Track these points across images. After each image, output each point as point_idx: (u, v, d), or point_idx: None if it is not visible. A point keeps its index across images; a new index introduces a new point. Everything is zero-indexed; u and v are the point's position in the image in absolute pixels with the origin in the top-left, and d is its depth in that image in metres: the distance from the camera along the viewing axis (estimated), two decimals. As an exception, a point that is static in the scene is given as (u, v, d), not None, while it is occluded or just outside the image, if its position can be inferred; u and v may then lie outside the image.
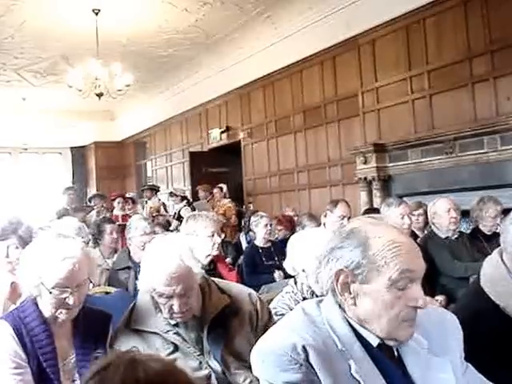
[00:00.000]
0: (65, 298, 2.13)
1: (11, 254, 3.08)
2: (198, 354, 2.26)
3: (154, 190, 11.17)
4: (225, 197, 10.30)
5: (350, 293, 1.55)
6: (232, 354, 2.28)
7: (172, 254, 2.23)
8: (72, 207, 9.41)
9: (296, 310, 1.67)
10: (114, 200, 9.13)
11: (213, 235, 4.03)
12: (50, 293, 2.12)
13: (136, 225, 4.54)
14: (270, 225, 6.31)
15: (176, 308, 2.19)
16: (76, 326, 2.25)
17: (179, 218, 9.08)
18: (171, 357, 2.19)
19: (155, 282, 2.19)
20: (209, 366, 2.24)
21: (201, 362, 2.25)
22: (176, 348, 2.26)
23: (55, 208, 9.28)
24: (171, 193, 10.51)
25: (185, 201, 9.99)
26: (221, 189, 10.50)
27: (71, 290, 2.13)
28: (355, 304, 1.55)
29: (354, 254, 1.53)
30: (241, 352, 2.27)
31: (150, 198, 10.88)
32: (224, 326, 2.31)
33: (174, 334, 2.27)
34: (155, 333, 2.26)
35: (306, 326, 1.56)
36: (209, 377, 2.23)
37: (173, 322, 2.29)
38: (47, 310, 2.16)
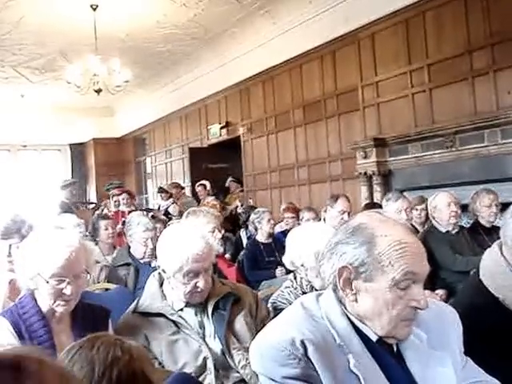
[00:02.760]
0: (62, 289, 2.13)
1: (13, 253, 3.07)
2: (199, 337, 2.37)
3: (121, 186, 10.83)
4: (208, 194, 10.28)
5: (352, 289, 1.54)
6: (233, 334, 2.40)
7: (196, 234, 2.46)
8: (73, 202, 9.31)
9: (295, 305, 1.67)
10: (119, 195, 8.86)
11: (213, 231, 4.05)
12: (47, 282, 2.12)
13: (138, 221, 4.55)
14: (273, 218, 6.32)
15: (202, 284, 2.36)
16: (75, 321, 2.25)
17: (167, 215, 9.02)
18: (173, 337, 2.34)
19: (185, 260, 2.35)
20: (208, 348, 2.34)
21: (200, 345, 2.34)
22: (178, 330, 2.37)
23: (55, 203, 9.19)
24: (161, 188, 10.30)
25: (171, 199, 9.83)
26: (204, 186, 10.47)
27: (68, 279, 2.14)
28: (356, 300, 1.54)
29: (358, 251, 1.52)
30: (240, 334, 2.41)
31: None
32: (226, 310, 2.44)
33: (179, 317, 2.39)
34: (160, 314, 2.38)
35: (304, 320, 1.56)
36: (205, 361, 2.31)
37: (177, 308, 2.42)
38: (45, 303, 2.16)
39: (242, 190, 10.63)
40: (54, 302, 2.15)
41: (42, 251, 2.15)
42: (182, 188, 10.69)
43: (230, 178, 10.83)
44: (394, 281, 1.48)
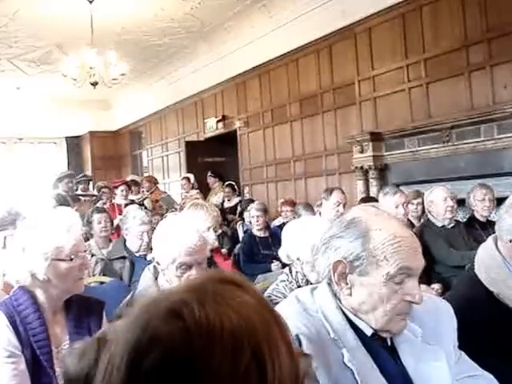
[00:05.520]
0: (81, 265, 2.21)
1: (8, 244, 3.06)
2: None
3: (89, 181, 10.55)
4: (193, 187, 10.21)
5: (347, 283, 1.53)
6: None
7: (191, 227, 2.48)
8: (70, 195, 9.18)
9: (290, 298, 1.67)
10: (116, 188, 8.66)
11: (208, 230, 4.04)
12: (71, 260, 2.16)
13: (133, 214, 4.54)
14: (261, 216, 6.28)
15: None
16: (69, 314, 2.25)
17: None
18: None
19: (178, 252, 2.36)
20: None
21: None
22: None
23: (51, 196, 9.08)
24: (133, 181, 9.97)
25: (140, 193, 9.58)
26: (188, 179, 10.40)
27: (83, 254, 2.24)
28: (351, 294, 1.54)
29: (353, 246, 1.51)
30: None
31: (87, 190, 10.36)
32: None
33: None
34: None
35: (299, 314, 1.55)
36: None
37: None
38: (65, 284, 2.18)
39: (224, 184, 10.44)
40: (78, 279, 2.23)
41: (52, 234, 2.18)
42: (156, 183, 10.52)
43: (208, 173, 10.74)
44: (388, 275, 1.48)
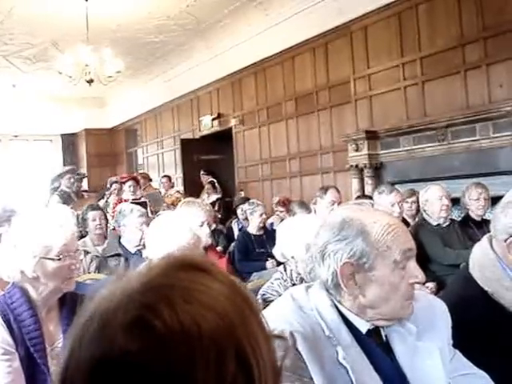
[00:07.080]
0: (70, 265, 2.18)
1: (3, 241, 3.06)
2: None
3: (83, 177, 10.48)
4: (173, 186, 10.24)
5: (356, 283, 1.53)
6: None
7: (184, 225, 2.53)
8: (73, 191, 9.13)
9: (284, 296, 1.66)
10: (124, 183, 8.42)
11: (202, 225, 4.04)
12: (59, 259, 2.14)
13: (130, 208, 4.57)
14: (266, 213, 6.33)
15: None
16: (63, 311, 2.25)
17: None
18: None
19: (172, 250, 2.31)
20: None
21: None
22: None
23: (54, 192, 9.06)
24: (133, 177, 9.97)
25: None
26: (169, 178, 10.47)
27: (73, 254, 2.20)
28: (362, 294, 1.54)
29: (354, 244, 1.52)
30: None
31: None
32: None
33: None
34: None
35: (293, 312, 1.55)
36: None
37: None
38: (54, 283, 2.16)
39: (211, 181, 10.44)
40: (64, 280, 2.19)
41: (42, 232, 2.17)
42: (150, 180, 10.52)
43: (201, 171, 10.78)
44: (395, 262, 1.51)
